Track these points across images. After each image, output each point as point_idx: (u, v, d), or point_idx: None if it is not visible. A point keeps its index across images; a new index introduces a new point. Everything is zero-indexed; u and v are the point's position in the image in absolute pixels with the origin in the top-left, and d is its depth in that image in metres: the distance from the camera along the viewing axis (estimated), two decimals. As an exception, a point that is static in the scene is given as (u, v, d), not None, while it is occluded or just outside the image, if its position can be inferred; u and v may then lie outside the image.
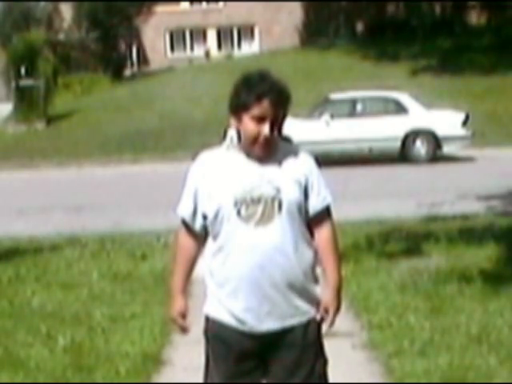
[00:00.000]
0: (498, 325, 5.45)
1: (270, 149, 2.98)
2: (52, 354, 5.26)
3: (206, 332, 3.14)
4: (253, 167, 2.99)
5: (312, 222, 3.07)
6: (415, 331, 5.42)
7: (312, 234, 3.09)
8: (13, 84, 27.39)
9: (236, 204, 2.94)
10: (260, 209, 2.94)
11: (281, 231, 2.95)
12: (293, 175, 3.01)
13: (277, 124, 2.96)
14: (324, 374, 3.11)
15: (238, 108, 2.96)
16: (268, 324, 3.00)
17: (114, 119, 25.34)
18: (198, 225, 3.08)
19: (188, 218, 3.08)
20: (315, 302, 3.09)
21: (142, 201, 13.34)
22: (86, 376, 4.85)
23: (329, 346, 3.21)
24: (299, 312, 3.04)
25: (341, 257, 3.19)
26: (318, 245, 3.08)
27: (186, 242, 3.14)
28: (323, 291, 3.12)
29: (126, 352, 5.21)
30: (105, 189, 15.67)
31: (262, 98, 2.90)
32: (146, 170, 19.23)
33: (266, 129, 2.91)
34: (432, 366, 4.76)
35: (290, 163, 3.03)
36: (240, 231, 2.94)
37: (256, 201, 2.94)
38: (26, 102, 26.44)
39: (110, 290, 6.95)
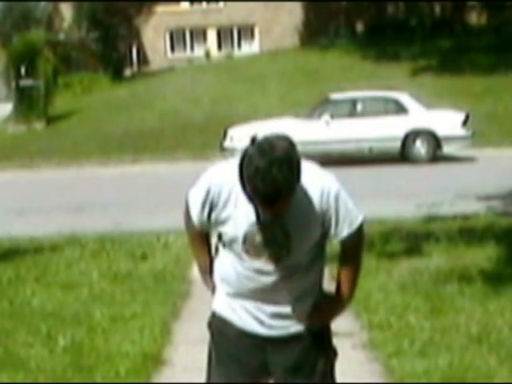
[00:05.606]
0: (498, 325, 5.45)
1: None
2: (52, 354, 5.26)
3: (210, 326, 3.12)
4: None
5: (341, 244, 2.98)
6: (415, 331, 5.42)
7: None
8: (13, 84, 27.39)
9: (245, 242, 2.87)
10: (267, 252, 2.87)
11: (288, 270, 2.89)
12: (307, 218, 2.85)
13: (292, 194, 2.69)
14: (325, 372, 3.08)
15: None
16: (271, 332, 2.98)
17: (114, 119, 25.33)
18: (206, 228, 3.03)
19: (199, 225, 2.99)
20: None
21: (142, 201, 13.34)
22: (86, 376, 4.85)
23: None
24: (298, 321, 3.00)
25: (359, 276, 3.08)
26: (341, 256, 3.01)
27: (197, 232, 3.08)
28: (328, 300, 3.10)
29: (126, 352, 5.21)
30: (105, 189, 15.67)
31: (264, 203, 2.66)
32: (146, 169, 19.23)
33: (274, 212, 2.73)
34: (432, 365, 4.76)
35: (305, 200, 2.85)
36: (248, 263, 2.91)
37: (265, 244, 2.86)
38: (26, 102, 26.43)
39: (110, 290, 6.94)
